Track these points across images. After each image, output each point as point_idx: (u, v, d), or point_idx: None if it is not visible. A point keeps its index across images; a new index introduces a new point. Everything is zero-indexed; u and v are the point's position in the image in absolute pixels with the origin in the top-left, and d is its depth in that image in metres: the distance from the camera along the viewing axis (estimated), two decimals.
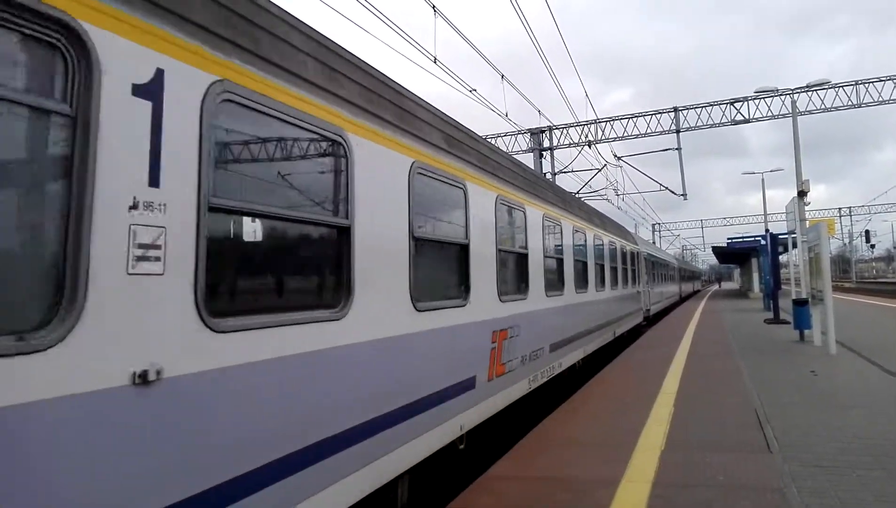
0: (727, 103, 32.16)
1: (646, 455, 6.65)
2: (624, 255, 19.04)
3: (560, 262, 11.19)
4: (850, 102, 30.87)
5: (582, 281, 12.77)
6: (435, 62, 16.14)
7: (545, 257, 10.02)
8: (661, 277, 33.85)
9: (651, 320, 26.48)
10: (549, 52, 20.25)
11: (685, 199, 33.22)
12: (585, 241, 13.20)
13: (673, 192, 33.43)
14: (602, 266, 15.06)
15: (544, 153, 33.98)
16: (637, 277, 22.50)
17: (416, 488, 6.06)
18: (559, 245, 11.17)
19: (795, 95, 27.65)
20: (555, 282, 10.69)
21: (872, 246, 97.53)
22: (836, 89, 30.86)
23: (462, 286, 6.91)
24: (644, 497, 5.45)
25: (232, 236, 3.92)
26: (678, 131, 32.38)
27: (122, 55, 2.96)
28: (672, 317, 29.30)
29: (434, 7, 15.07)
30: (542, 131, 33.90)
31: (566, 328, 11.31)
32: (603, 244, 15.30)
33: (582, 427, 8.11)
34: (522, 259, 9.11)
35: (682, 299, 53.85)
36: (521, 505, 5.47)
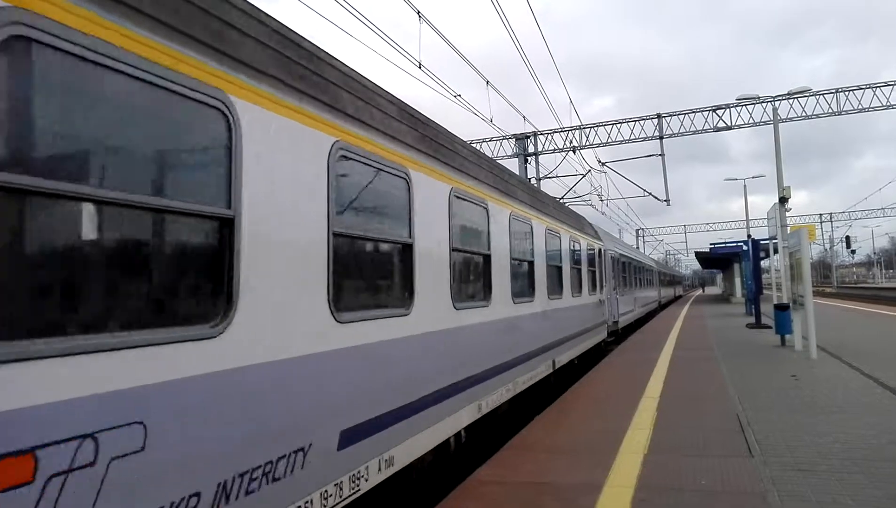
0: (710, 110, 32.55)
1: (629, 460, 6.67)
2: (576, 252, 14.71)
3: (405, 251, 6.10)
4: (830, 110, 31.34)
5: (480, 288, 8.21)
6: (420, 67, 16.17)
7: (353, 239, 5.27)
8: (636, 281, 29.85)
9: (620, 334, 22.13)
10: (533, 58, 20.37)
11: (668, 204, 33.49)
12: (488, 222, 8.51)
13: (656, 197, 33.72)
14: (531, 264, 10.63)
15: (529, 158, 34.15)
16: (600, 281, 18.12)
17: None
18: (405, 219, 6.15)
19: (777, 103, 28.04)
20: (387, 290, 5.93)
21: (853, 252, 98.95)
22: (817, 97, 31.37)
23: None
24: (627, 501, 5.47)
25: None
26: (661, 138, 32.73)
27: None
28: (652, 324, 29.35)
29: (419, 13, 15.10)
30: (527, 137, 34.10)
31: (419, 379, 6.17)
32: (532, 233, 10.77)
33: (565, 432, 8.12)
34: (216, 235, 3.79)
35: (662, 306, 49.50)
36: None
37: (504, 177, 10.17)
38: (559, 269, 12.78)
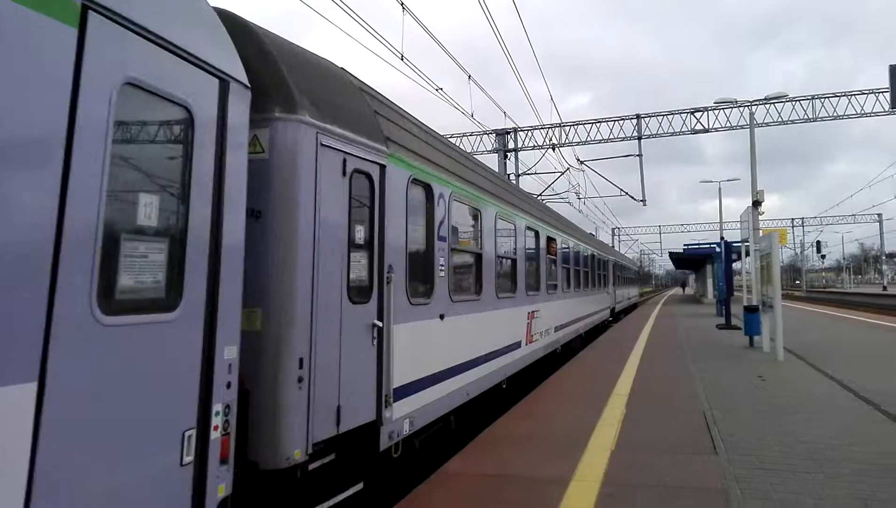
0: (687, 113, 32.82)
1: (596, 456, 6.75)
2: None
3: None
4: (805, 116, 31.74)
5: None
6: (402, 59, 16.09)
7: None
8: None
9: None
10: (513, 52, 20.31)
11: (644, 204, 33.73)
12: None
13: (633, 197, 33.92)
14: None
15: (509, 154, 34.21)
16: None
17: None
18: None
19: (753, 108, 28.32)
20: None
21: (823, 257, 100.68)
22: (793, 103, 31.70)
23: None
24: (593, 495, 5.53)
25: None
26: (640, 138, 32.93)
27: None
28: (624, 323, 29.47)
29: (402, 4, 15.02)
30: (507, 133, 34.12)
31: None
32: None
33: (536, 427, 8.18)
34: None
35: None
36: (475, 501, 5.51)
37: None
38: None
